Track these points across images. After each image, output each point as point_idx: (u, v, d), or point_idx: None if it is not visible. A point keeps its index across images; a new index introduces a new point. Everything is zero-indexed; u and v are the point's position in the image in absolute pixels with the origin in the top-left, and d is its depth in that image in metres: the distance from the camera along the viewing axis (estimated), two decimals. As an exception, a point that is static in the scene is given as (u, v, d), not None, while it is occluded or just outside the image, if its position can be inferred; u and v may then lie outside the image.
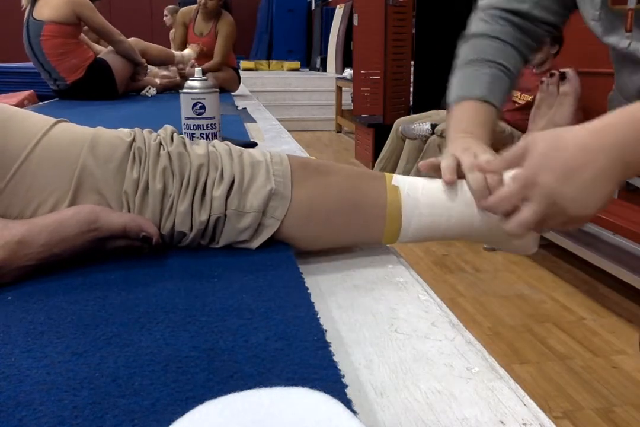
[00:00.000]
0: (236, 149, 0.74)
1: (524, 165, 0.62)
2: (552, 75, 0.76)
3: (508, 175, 0.67)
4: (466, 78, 0.88)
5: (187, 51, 3.37)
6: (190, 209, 0.68)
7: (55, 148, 0.67)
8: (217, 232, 0.70)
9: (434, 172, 0.75)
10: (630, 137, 0.57)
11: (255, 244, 0.70)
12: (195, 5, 3.48)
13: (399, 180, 0.74)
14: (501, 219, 0.65)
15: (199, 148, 0.72)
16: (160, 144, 0.71)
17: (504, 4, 0.90)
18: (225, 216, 0.68)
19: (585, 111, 3.05)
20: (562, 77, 0.75)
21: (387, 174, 0.76)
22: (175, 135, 0.74)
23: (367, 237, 0.75)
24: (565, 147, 0.59)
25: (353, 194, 0.72)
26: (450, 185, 0.72)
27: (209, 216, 0.68)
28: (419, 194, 0.73)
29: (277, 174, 0.71)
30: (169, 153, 0.69)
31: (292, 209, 0.70)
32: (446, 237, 0.76)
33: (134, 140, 0.70)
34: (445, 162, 0.74)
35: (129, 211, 0.68)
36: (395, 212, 0.72)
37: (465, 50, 0.91)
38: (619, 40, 0.77)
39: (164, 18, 5.79)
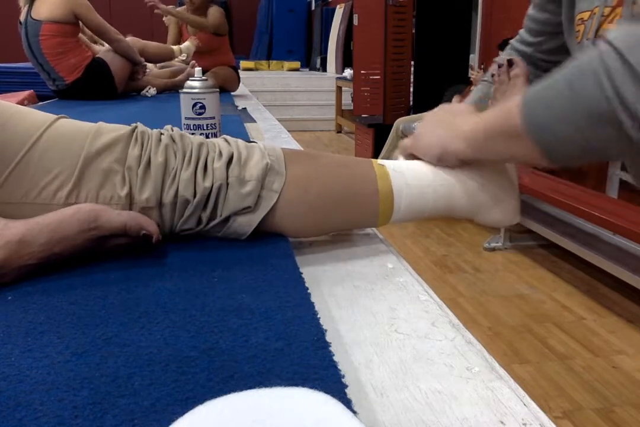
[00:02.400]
0: (231, 138, 0.77)
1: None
2: (500, 66, 0.81)
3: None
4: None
5: (186, 44, 3.37)
6: (194, 176, 0.70)
7: (59, 138, 0.69)
8: (220, 200, 0.71)
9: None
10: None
11: (257, 216, 0.71)
12: (184, 7, 3.50)
13: (383, 161, 0.80)
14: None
15: (197, 137, 0.76)
16: (161, 133, 0.74)
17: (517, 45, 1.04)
18: (228, 184, 0.71)
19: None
20: (510, 64, 0.82)
21: (372, 159, 0.81)
22: (176, 128, 0.77)
23: (363, 214, 0.77)
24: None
25: (343, 171, 0.76)
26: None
27: (212, 184, 0.70)
28: (404, 169, 0.78)
29: (271, 155, 0.74)
30: (171, 135, 0.73)
31: (289, 183, 0.72)
32: (435, 212, 0.79)
33: (136, 127, 0.73)
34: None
35: (131, 186, 0.69)
36: (386, 185, 0.75)
37: None
38: None
39: (164, 19, 5.77)
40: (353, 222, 0.79)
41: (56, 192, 0.67)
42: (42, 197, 0.67)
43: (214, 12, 3.41)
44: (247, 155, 0.73)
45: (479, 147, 0.72)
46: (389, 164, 0.78)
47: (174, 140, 0.72)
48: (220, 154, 0.72)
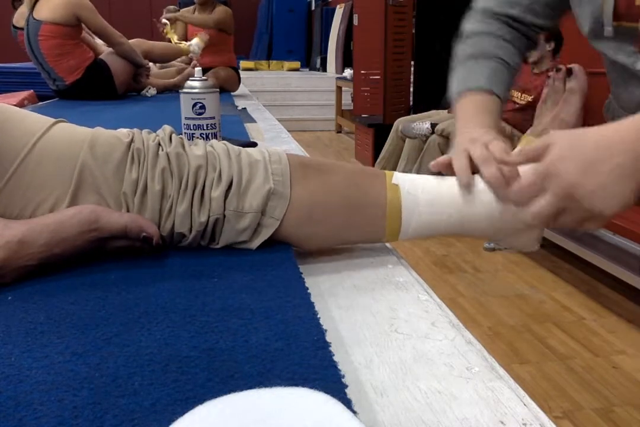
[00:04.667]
0: (234, 148, 0.74)
1: (544, 159, 0.61)
2: (558, 70, 0.76)
3: (523, 169, 0.67)
4: (467, 71, 0.87)
5: (195, 41, 3.36)
6: (190, 210, 0.68)
7: (54, 147, 0.67)
8: (217, 232, 0.70)
9: (447, 170, 0.74)
10: None
11: (255, 244, 0.70)
12: (193, 6, 3.54)
13: (399, 178, 0.74)
14: (520, 210, 0.65)
15: (197, 149, 0.72)
16: (159, 144, 0.71)
17: (497, 8, 0.92)
18: (224, 216, 0.69)
19: (586, 110, 3.05)
20: (569, 73, 0.74)
21: (387, 172, 0.75)
22: (173, 135, 0.74)
23: (367, 236, 0.75)
24: (586, 141, 0.59)
25: (353, 193, 0.72)
26: (468, 187, 0.71)
27: (208, 217, 0.68)
28: (419, 191, 0.73)
29: (276, 173, 0.71)
30: (167, 154, 0.70)
31: (292, 208, 0.70)
32: (448, 234, 0.75)
33: (132, 141, 0.70)
34: (458, 163, 0.73)
35: (128, 212, 0.68)
36: (395, 211, 0.72)
37: (463, 48, 0.91)
38: (626, 58, 0.77)
39: (159, 28, 5.76)
40: (357, 242, 0.78)
41: (51, 210, 0.66)
42: (37, 215, 0.65)
43: (220, 10, 3.45)
44: (249, 178, 0.70)
45: None
46: (404, 183, 0.73)
47: (170, 161, 0.69)
48: (220, 177, 0.69)
